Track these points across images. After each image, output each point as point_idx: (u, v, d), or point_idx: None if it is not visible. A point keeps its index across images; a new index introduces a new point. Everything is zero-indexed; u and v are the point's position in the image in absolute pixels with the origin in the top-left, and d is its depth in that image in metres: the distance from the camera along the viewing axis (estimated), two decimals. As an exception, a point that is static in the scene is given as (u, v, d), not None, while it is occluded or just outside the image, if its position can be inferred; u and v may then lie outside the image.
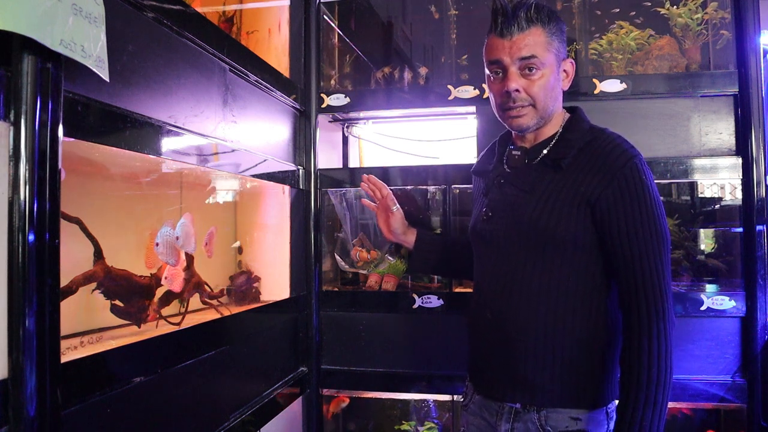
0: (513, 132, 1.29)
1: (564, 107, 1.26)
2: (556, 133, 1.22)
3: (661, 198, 1.14)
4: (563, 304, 1.15)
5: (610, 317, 1.17)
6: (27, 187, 0.77)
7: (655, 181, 1.16)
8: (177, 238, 1.35)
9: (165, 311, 1.41)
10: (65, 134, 0.85)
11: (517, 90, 1.15)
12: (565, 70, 1.22)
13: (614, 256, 1.12)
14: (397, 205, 1.53)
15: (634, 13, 1.99)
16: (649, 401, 1.04)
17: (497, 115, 1.24)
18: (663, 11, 1.95)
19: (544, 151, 1.21)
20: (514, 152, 1.27)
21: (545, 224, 1.15)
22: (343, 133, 2.51)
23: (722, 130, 1.81)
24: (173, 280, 1.36)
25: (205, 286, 1.58)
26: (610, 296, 1.18)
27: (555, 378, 1.15)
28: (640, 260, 1.09)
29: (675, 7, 1.95)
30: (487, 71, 1.22)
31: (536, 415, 1.16)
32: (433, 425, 2.30)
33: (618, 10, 2.03)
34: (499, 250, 1.23)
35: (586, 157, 1.16)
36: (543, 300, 1.16)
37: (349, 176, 2.06)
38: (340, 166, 2.49)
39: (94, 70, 0.88)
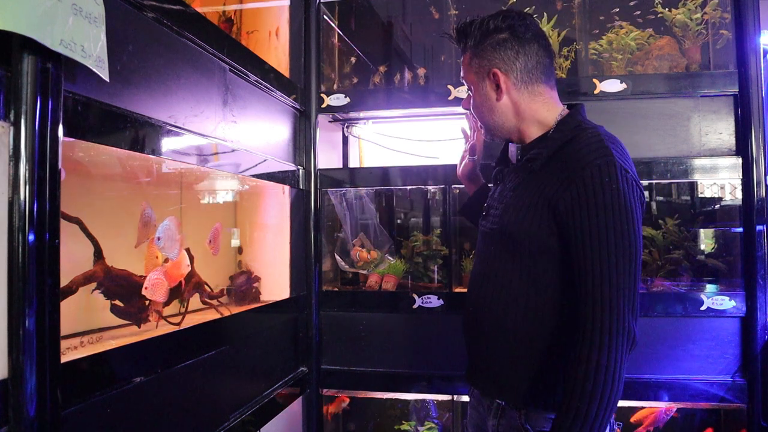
0: None
1: (567, 105, 1.26)
2: (547, 132, 1.21)
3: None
4: (532, 304, 1.14)
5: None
6: (27, 187, 0.77)
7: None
8: (158, 238, 1.32)
9: (165, 311, 1.40)
10: (65, 134, 0.85)
11: (467, 110, 1.31)
12: (496, 83, 1.19)
13: (571, 261, 1.07)
14: (477, 153, 1.56)
15: (638, 12, 1.99)
16: (579, 413, 0.99)
17: None
18: (660, 11, 1.95)
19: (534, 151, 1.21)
20: (511, 149, 1.31)
21: (512, 224, 1.15)
22: (343, 133, 2.51)
23: (722, 130, 1.81)
24: (155, 290, 1.30)
25: (205, 286, 1.58)
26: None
27: (524, 378, 1.14)
28: (593, 268, 1.02)
29: (669, 10, 1.95)
30: None
31: (517, 413, 1.16)
32: (433, 425, 2.30)
33: (618, 9, 2.03)
34: (487, 246, 1.25)
35: (558, 158, 1.13)
36: (512, 298, 1.16)
37: (349, 176, 2.06)
38: (340, 166, 2.49)
39: (94, 70, 0.88)
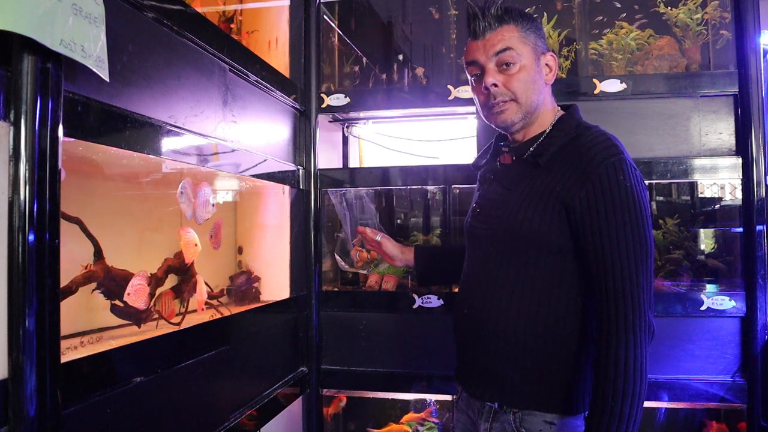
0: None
1: (560, 106, 1.26)
2: (545, 131, 1.20)
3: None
4: (535, 305, 1.12)
5: (587, 323, 1.13)
6: (27, 187, 0.77)
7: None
8: (181, 193, 1.37)
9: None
10: (65, 134, 0.85)
11: (495, 84, 1.15)
12: (547, 64, 1.19)
13: (587, 259, 1.07)
14: (379, 233, 1.55)
15: (647, 12, 1.99)
16: (614, 413, 0.99)
17: (484, 118, 1.23)
18: (662, 10, 1.95)
19: (531, 149, 1.19)
20: (503, 149, 1.28)
21: (519, 223, 1.12)
22: (343, 133, 2.51)
23: (722, 130, 1.81)
24: (137, 296, 1.28)
25: (205, 286, 1.58)
26: (588, 302, 1.13)
27: (526, 379, 1.13)
28: (612, 265, 1.03)
29: (670, 9, 1.95)
30: (469, 76, 1.22)
31: (512, 416, 1.14)
32: (433, 425, 2.30)
33: (620, 5, 2.03)
34: (483, 247, 1.22)
35: (565, 155, 1.12)
36: (515, 299, 1.13)
37: (349, 176, 2.06)
38: (340, 166, 2.50)
39: (94, 70, 0.88)
